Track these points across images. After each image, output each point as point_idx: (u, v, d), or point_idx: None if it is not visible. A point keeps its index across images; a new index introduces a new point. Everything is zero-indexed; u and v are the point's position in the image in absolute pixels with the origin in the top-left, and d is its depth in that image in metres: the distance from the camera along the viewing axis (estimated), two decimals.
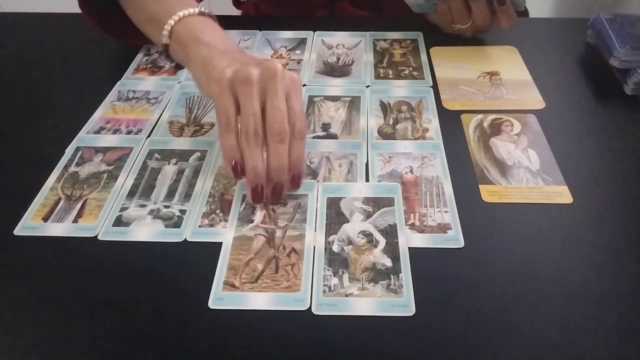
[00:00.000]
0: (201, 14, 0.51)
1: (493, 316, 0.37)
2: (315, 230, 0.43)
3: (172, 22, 0.49)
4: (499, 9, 0.59)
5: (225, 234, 0.43)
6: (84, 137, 0.53)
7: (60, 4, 0.90)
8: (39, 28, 0.73)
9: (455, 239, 0.42)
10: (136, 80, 0.61)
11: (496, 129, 0.53)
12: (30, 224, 0.44)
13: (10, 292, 0.40)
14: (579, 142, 0.51)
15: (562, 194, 0.45)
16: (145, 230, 0.43)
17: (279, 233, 0.43)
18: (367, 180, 0.47)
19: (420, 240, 0.42)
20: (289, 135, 0.42)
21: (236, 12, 0.90)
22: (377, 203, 0.45)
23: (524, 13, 0.83)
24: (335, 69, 0.62)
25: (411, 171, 0.48)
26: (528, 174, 0.47)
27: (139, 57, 0.65)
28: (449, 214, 0.44)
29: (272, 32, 0.69)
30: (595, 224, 0.43)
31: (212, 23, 0.51)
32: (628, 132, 0.52)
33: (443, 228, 0.43)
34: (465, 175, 0.47)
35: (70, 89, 0.61)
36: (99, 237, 0.43)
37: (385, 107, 0.56)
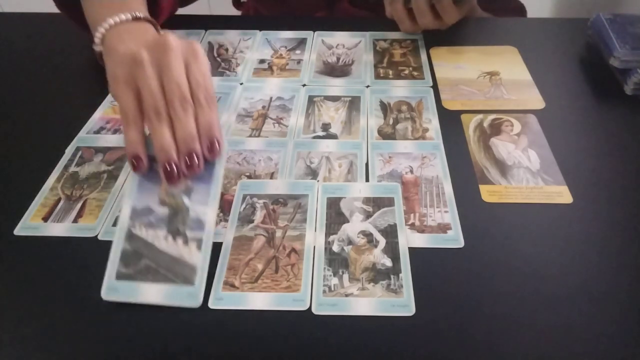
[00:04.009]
0: (135, 19, 0.48)
1: (493, 316, 0.37)
2: (315, 231, 0.43)
3: (102, 30, 0.47)
4: (436, 2, 0.59)
5: (226, 234, 0.43)
6: (84, 137, 0.53)
7: None
8: (39, 28, 0.73)
9: (455, 239, 0.42)
10: None
11: (496, 129, 0.53)
12: (30, 224, 0.44)
13: (10, 292, 0.40)
14: (579, 142, 0.51)
15: (562, 194, 0.45)
16: None
17: (279, 233, 0.43)
18: (367, 180, 0.47)
19: (420, 240, 0.42)
20: (191, 104, 0.40)
21: (236, 12, 0.90)
22: (377, 203, 0.45)
23: (522, 12, 0.83)
24: (335, 69, 0.62)
25: (411, 171, 0.48)
26: (528, 174, 0.47)
27: None
28: (449, 214, 0.44)
29: (272, 32, 0.69)
30: (595, 224, 0.43)
31: (143, 29, 0.48)
32: (628, 132, 0.52)
33: (443, 228, 0.43)
34: (465, 175, 0.47)
35: (71, 88, 0.61)
36: (99, 237, 0.43)
37: (385, 107, 0.56)
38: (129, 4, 0.49)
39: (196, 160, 0.40)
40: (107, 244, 0.42)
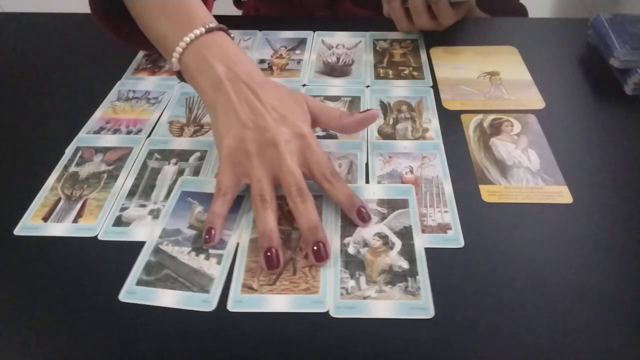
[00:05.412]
0: (209, 30, 0.47)
1: (493, 316, 0.37)
2: (331, 233, 0.42)
3: (179, 49, 0.46)
4: (432, 3, 0.59)
5: (241, 236, 0.43)
6: (84, 137, 0.53)
7: (61, 3, 0.90)
8: (39, 28, 0.73)
9: (455, 239, 0.42)
10: (136, 80, 0.61)
11: (496, 129, 0.53)
12: (30, 224, 0.44)
13: (10, 292, 0.40)
14: (579, 142, 0.51)
15: (562, 194, 0.45)
16: (145, 230, 0.43)
17: (294, 235, 0.42)
18: (367, 180, 0.47)
19: (421, 240, 0.42)
20: (309, 194, 0.41)
21: (236, 12, 0.90)
22: (392, 205, 0.44)
23: (523, 13, 0.83)
24: (335, 69, 0.62)
25: (411, 171, 0.48)
26: (528, 174, 0.47)
27: (139, 57, 0.65)
28: (449, 214, 0.44)
29: (272, 32, 0.69)
30: (595, 224, 0.43)
31: (219, 41, 0.47)
32: (628, 132, 0.52)
33: (443, 228, 0.43)
34: (465, 175, 0.47)
35: (70, 89, 0.61)
36: (99, 237, 0.43)
37: (385, 107, 0.56)
38: (198, 15, 0.48)
39: (323, 249, 0.39)
40: (107, 244, 0.43)
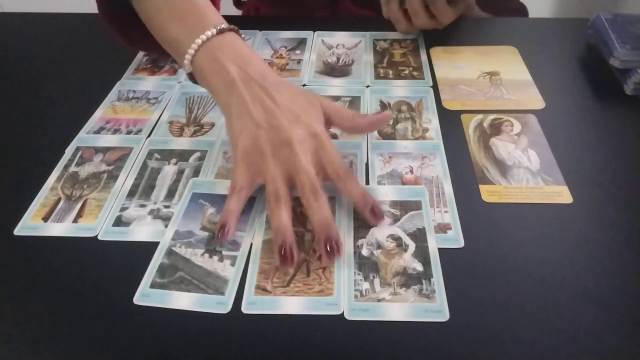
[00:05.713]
0: (220, 31, 0.46)
1: (493, 316, 0.37)
2: (344, 235, 0.42)
3: (192, 51, 0.46)
4: (430, 2, 0.60)
5: (254, 237, 0.42)
6: (84, 137, 0.53)
7: (60, 4, 0.90)
8: (39, 28, 0.73)
9: (455, 239, 0.42)
10: (136, 80, 0.61)
11: (496, 129, 0.53)
12: (30, 224, 0.44)
13: (10, 292, 0.40)
14: (579, 142, 0.51)
15: (562, 194, 0.45)
16: (145, 230, 0.43)
17: (308, 236, 0.42)
18: (367, 181, 0.47)
19: None
20: (322, 194, 0.41)
21: (236, 12, 0.90)
22: (404, 206, 0.44)
23: (523, 12, 0.83)
24: (335, 69, 0.62)
25: (411, 171, 0.48)
26: (528, 174, 0.47)
27: (139, 57, 0.65)
28: (449, 214, 0.44)
29: (272, 32, 0.69)
30: (595, 224, 0.43)
31: (231, 42, 0.47)
32: (628, 132, 0.52)
33: (443, 228, 0.43)
34: (465, 175, 0.47)
35: (70, 89, 0.61)
36: (99, 237, 0.43)
37: (385, 107, 0.56)
38: (209, 16, 0.48)
39: (335, 246, 0.39)
40: (107, 244, 0.43)
